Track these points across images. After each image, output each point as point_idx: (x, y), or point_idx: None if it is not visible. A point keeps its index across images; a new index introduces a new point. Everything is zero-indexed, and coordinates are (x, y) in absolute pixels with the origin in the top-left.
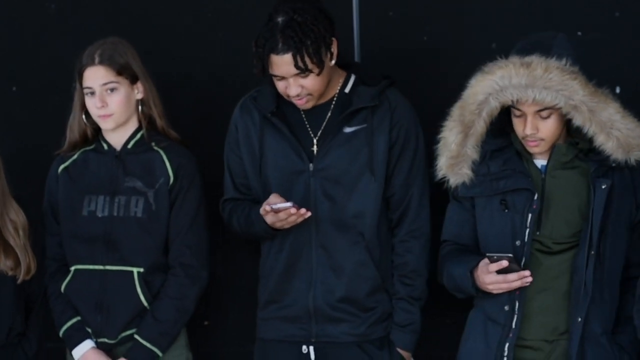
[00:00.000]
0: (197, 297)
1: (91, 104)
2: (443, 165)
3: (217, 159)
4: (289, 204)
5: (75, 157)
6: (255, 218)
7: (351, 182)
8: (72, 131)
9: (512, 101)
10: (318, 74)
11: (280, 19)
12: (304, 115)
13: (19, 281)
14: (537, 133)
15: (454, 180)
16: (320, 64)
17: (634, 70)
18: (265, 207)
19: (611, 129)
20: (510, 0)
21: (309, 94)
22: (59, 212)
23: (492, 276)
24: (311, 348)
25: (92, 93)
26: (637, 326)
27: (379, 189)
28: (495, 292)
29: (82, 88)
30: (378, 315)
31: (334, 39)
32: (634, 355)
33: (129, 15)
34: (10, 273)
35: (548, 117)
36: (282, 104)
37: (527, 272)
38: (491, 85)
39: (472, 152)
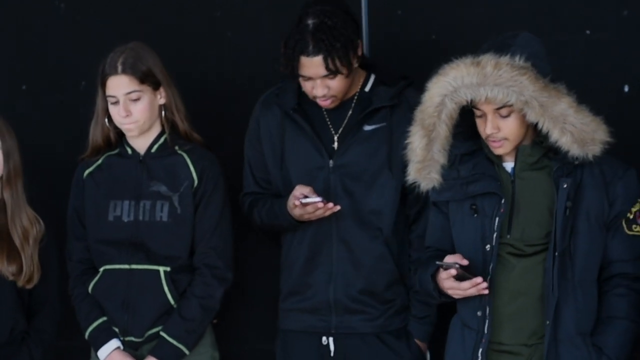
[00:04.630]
0: (222, 297)
1: (115, 112)
2: (412, 171)
3: (229, 159)
4: (318, 199)
5: (99, 162)
6: (279, 211)
7: (370, 178)
8: (95, 136)
9: (467, 101)
10: (346, 76)
11: (310, 22)
12: (325, 113)
13: (18, 286)
14: (499, 132)
15: (424, 185)
16: (349, 67)
17: None
18: (294, 202)
19: (564, 123)
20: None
21: (334, 96)
22: (85, 217)
23: (449, 282)
24: (331, 339)
25: (116, 102)
26: None
27: (397, 186)
28: (455, 296)
29: (104, 95)
30: (396, 308)
31: (359, 41)
32: (615, 357)
33: (138, 15)
34: (11, 278)
35: (508, 115)
36: (304, 100)
37: (479, 279)
38: (445, 87)
39: (439, 157)
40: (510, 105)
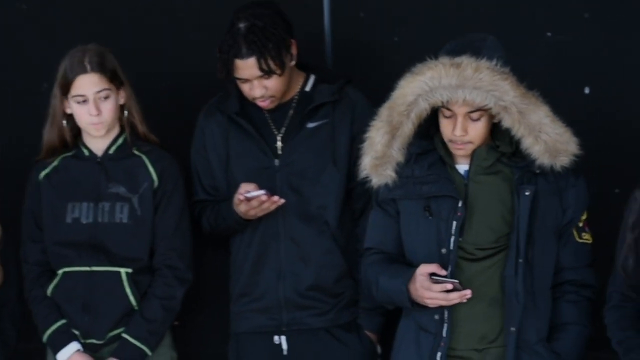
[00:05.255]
0: (182, 298)
1: (83, 111)
2: (367, 165)
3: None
4: (261, 192)
5: (55, 163)
6: (226, 213)
7: (316, 175)
8: (51, 137)
9: (442, 102)
10: (280, 75)
11: (242, 25)
12: (267, 114)
13: None
14: (466, 135)
15: (376, 181)
16: (282, 66)
17: (603, 71)
18: (238, 197)
19: (540, 132)
20: (481, 1)
21: (272, 96)
22: (42, 219)
23: (432, 292)
24: (283, 338)
25: (85, 101)
26: (607, 325)
27: (342, 181)
28: (432, 306)
29: (63, 96)
30: (346, 301)
31: (292, 40)
32: None
33: (100, 15)
34: None
35: (478, 119)
36: (246, 104)
37: (468, 292)
38: (421, 86)
39: (397, 154)
40: (484, 109)
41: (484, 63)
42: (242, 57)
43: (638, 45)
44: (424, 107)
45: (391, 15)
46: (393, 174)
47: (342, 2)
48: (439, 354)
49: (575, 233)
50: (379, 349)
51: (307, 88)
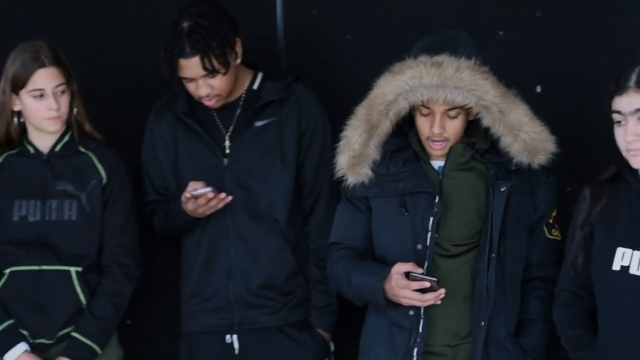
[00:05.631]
0: (131, 295)
1: (40, 106)
2: (344, 164)
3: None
4: (208, 189)
5: (0, 161)
6: (175, 211)
7: (264, 173)
8: None
9: (422, 101)
10: (225, 74)
11: (185, 24)
12: (215, 114)
13: None
14: (444, 133)
15: (352, 180)
16: (227, 64)
17: (555, 69)
18: (185, 195)
19: (519, 131)
20: (434, 0)
21: (218, 95)
22: None
23: (408, 292)
24: (234, 337)
25: (42, 95)
26: (556, 322)
27: (291, 178)
28: (407, 304)
29: (12, 92)
30: (297, 300)
31: (237, 38)
32: (538, 358)
33: (46, 11)
34: None
35: (456, 116)
36: (194, 104)
37: (442, 291)
38: (401, 86)
39: (374, 153)
40: (462, 107)
41: (464, 62)
42: (185, 56)
43: (589, 44)
44: (403, 106)
45: (344, 13)
46: (369, 172)
47: (295, 0)
48: (415, 350)
49: (545, 229)
50: (331, 347)
51: (255, 86)
